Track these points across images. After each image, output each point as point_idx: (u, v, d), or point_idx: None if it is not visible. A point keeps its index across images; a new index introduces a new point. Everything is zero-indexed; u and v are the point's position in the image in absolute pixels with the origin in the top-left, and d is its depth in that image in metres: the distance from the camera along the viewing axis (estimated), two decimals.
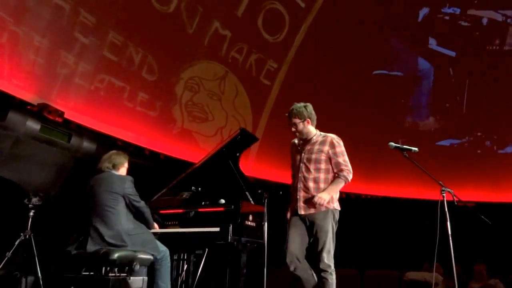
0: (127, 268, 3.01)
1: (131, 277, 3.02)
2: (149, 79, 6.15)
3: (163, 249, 3.30)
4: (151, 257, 3.17)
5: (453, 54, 8.25)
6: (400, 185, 7.80)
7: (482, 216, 3.54)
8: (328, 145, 3.05)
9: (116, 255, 2.92)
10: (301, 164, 3.05)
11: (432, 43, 8.32)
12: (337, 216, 3.05)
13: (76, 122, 5.11)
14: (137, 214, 3.28)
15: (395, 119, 8.47)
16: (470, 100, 8.23)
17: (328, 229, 2.95)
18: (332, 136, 3.12)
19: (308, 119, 3.10)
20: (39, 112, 4.62)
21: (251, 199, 3.66)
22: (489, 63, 8.07)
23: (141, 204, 3.27)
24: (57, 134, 4.77)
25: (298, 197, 3.02)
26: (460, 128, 8.41)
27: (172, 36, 6.32)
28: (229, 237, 3.24)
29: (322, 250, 2.95)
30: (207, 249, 3.68)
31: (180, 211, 3.66)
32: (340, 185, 3.04)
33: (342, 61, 7.94)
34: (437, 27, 8.27)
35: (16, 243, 3.62)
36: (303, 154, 3.08)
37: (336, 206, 3.08)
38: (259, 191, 3.63)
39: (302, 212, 2.99)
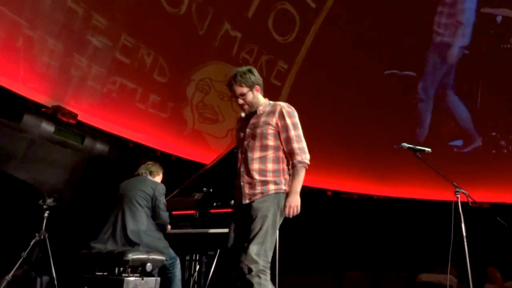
0: (140, 268, 3.04)
1: (144, 278, 3.05)
2: (161, 81, 6.20)
3: (174, 256, 3.38)
4: (164, 258, 3.21)
5: (466, 53, 8.13)
6: (413, 186, 7.71)
7: (498, 218, 3.48)
8: (277, 116, 2.44)
9: (129, 256, 2.95)
10: (244, 142, 2.47)
11: (445, 41, 8.21)
12: (282, 202, 2.37)
13: (89, 124, 5.17)
14: (155, 219, 3.35)
15: (408, 119, 8.38)
16: (484, 99, 8.10)
17: (266, 214, 2.29)
18: (282, 104, 2.50)
19: (257, 86, 2.53)
20: (53, 114, 4.68)
21: None
22: (503, 61, 7.93)
23: (165, 214, 3.37)
24: (71, 136, 4.84)
25: (242, 183, 2.41)
26: (474, 128, 8.27)
27: (183, 38, 6.36)
28: None
29: (252, 239, 2.23)
30: (218, 250, 3.69)
31: (192, 212, 3.68)
32: (302, 176, 2.41)
33: (353, 61, 7.89)
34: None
35: (31, 243, 3.67)
36: (247, 130, 2.49)
37: (280, 188, 2.38)
38: None
39: (247, 201, 2.37)
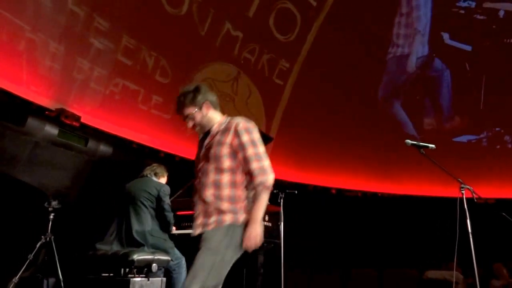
0: (145, 269, 3.05)
1: (150, 278, 3.06)
2: (163, 82, 6.20)
3: (179, 256, 3.38)
4: (169, 258, 3.22)
5: (469, 48, 8.10)
6: (418, 183, 7.69)
7: (503, 214, 3.46)
8: (231, 133, 2.12)
9: (135, 256, 2.96)
10: (199, 166, 2.18)
11: (447, 37, 8.18)
12: (237, 234, 2.03)
13: (92, 126, 5.19)
14: (160, 220, 3.36)
15: (412, 116, 8.35)
16: (487, 95, 8.06)
17: (215, 246, 1.98)
18: (237, 119, 2.17)
19: (206, 103, 2.22)
20: (57, 117, 4.70)
21: None
22: (506, 56, 7.89)
23: (170, 215, 3.38)
24: (74, 138, 4.86)
25: (196, 212, 2.13)
26: (477, 124, 8.24)
27: (185, 39, 6.37)
28: None
29: (193, 273, 1.94)
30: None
31: None
32: (264, 201, 2.07)
33: (355, 59, 7.87)
34: (452, 21, 8.13)
35: (38, 245, 3.69)
36: (201, 152, 2.21)
37: (237, 218, 2.06)
38: (275, 191, 3.63)
39: (197, 231, 2.08)
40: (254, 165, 2.07)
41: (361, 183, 7.85)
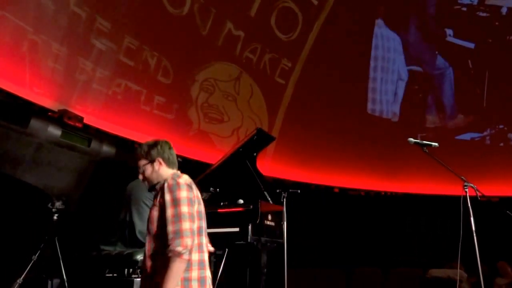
0: None
1: None
2: (165, 82, 6.21)
3: None
4: None
5: (472, 46, 8.06)
6: (421, 181, 7.67)
7: (507, 211, 3.45)
8: (160, 194, 2.02)
9: (138, 256, 2.96)
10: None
11: (450, 35, 8.15)
12: None
13: (95, 127, 5.20)
14: None
15: (414, 114, 8.33)
16: (490, 92, 8.03)
17: None
18: (169, 177, 2.07)
19: (160, 159, 2.15)
20: (60, 118, 4.72)
21: (269, 199, 3.66)
22: (509, 53, 7.85)
23: None
24: (77, 139, 4.87)
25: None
26: (480, 122, 8.21)
27: (186, 39, 6.37)
28: (249, 237, 3.25)
29: None
30: (227, 250, 3.70)
31: None
32: (177, 271, 1.84)
33: (358, 57, 7.86)
34: (454, 18, 8.10)
35: (41, 246, 3.70)
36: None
37: None
38: (277, 191, 3.63)
39: None
40: (169, 228, 1.87)
41: (364, 182, 7.83)
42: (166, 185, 1.99)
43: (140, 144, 2.25)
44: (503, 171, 7.61)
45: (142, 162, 2.18)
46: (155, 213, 1.97)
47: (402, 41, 8.20)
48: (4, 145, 4.22)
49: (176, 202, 1.92)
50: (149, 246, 1.98)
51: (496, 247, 5.92)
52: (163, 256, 1.87)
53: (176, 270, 1.82)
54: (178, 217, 1.89)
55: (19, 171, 4.37)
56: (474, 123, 8.21)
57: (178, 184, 1.97)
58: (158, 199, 2.01)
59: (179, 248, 1.83)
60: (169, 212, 1.90)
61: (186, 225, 1.87)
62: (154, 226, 1.96)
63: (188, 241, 1.85)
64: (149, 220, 2.01)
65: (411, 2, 8.07)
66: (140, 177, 2.20)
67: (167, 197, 1.94)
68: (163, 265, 1.86)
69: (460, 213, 2.95)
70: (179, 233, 1.85)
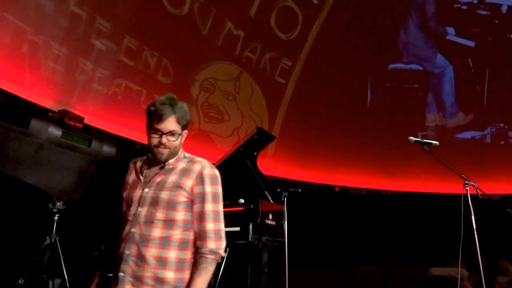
0: None
1: None
2: (165, 82, 6.22)
3: None
4: None
5: (472, 44, 8.06)
6: (422, 180, 7.67)
7: (508, 209, 3.45)
8: (195, 177, 1.69)
9: None
10: (139, 209, 1.66)
11: (450, 33, 8.15)
12: None
13: (96, 127, 5.21)
14: None
15: (415, 113, 8.33)
16: (491, 90, 8.03)
17: None
18: (203, 162, 1.75)
19: (186, 131, 1.76)
20: (60, 118, 4.72)
21: (270, 198, 3.66)
22: (509, 51, 7.84)
23: None
24: (78, 139, 4.87)
25: (120, 275, 1.61)
26: (481, 120, 8.21)
27: (186, 38, 6.37)
28: (250, 236, 3.25)
29: None
30: (228, 249, 3.70)
31: None
32: (210, 275, 1.62)
33: (358, 56, 7.85)
34: (454, 17, 8.09)
35: (43, 246, 3.71)
36: (146, 190, 1.69)
37: None
38: (278, 190, 3.63)
39: None
40: (211, 226, 1.64)
41: (364, 180, 7.84)
42: (206, 172, 1.69)
43: (171, 102, 1.66)
44: (504, 169, 7.61)
45: (177, 127, 1.67)
46: (181, 198, 1.63)
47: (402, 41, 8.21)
48: (5, 145, 4.22)
49: (216, 198, 1.69)
50: (159, 232, 1.60)
51: (497, 245, 5.92)
52: (181, 247, 1.61)
53: (211, 272, 1.63)
54: (218, 215, 1.68)
55: (20, 172, 4.38)
56: (474, 122, 8.21)
57: (218, 176, 1.72)
58: (184, 180, 1.66)
59: (221, 251, 1.65)
60: (210, 207, 1.66)
61: (223, 225, 1.71)
62: (177, 212, 1.62)
63: (224, 244, 1.67)
64: (162, 201, 1.63)
65: (412, 1, 8.06)
66: (164, 141, 1.66)
67: (208, 188, 1.67)
68: (180, 258, 1.60)
69: (461, 212, 2.95)
70: (220, 234, 1.66)
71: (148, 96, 6.06)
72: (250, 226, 3.26)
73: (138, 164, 1.81)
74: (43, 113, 4.63)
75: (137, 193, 1.70)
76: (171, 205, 1.63)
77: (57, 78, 5.00)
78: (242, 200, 3.56)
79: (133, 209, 1.68)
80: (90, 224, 4.45)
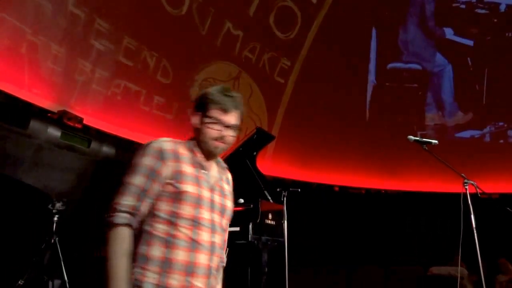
0: None
1: None
2: (164, 82, 6.21)
3: None
4: None
5: (471, 43, 8.06)
6: (421, 179, 7.67)
7: (508, 208, 3.45)
8: (225, 179, 1.64)
9: None
10: (212, 215, 1.49)
11: (449, 33, 8.15)
12: None
13: (95, 127, 5.20)
14: None
15: (414, 112, 8.33)
16: (490, 89, 8.03)
17: None
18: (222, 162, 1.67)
19: None
20: (59, 119, 4.72)
21: (269, 198, 3.66)
22: (508, 50, 7.85)
23: None
24: (77, 140, 4.87)
25: (208, 265, 1.47)
26: (480, 119, 8.21)
27: (185, 39, 6.37)
28: (250, 236, 3.25)
29: None
30: (227, 249, 3.70)
31: None
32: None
33: (357, 56, 7.85)
34: (453, 16, 8.10)
35: (42, 247, 3.70)
36: (214, 192, 1.53)
37: None
38: (278, 190, 3.63)
39: None
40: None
41: (364, 180, 7.84)
42: (228, 171, 1.64)
43: (236, 93, 1.56)
44: (503, 168, 7.61)
45: (238, 123, 1.56)
46: (231, 203, 1.57)
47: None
48: (4, 146, 4.22)
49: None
50: (224, 238, 1.56)
51: (497, 244, 5.92)
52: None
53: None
54: None
55: (19, 172, 4.37)
56: (473, 121, 8.22)
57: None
58: (229, 186, 1.61)
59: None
60: (231, 205, 1.57)
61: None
62: (228, 218, 1.55)
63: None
64: (228, 211, 1.55)
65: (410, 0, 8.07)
66: (231, 135, 1.55)
67: (231, 189, 1.62)
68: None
69: (460, 210, 2.95)
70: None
71: (147, 96, 6.06)
72: (250, 226, 3.27)
73: (182, 151, 1.51)
74: (42, 114, 4.63)
75: (205, 193, 1.48)
76: (231, 216, 1.57)
77: (56, 79, 5.00)
78: (241, 200, 3.56)
79: (206, 213, 1.46)
80: (90, 224, 4.45)
